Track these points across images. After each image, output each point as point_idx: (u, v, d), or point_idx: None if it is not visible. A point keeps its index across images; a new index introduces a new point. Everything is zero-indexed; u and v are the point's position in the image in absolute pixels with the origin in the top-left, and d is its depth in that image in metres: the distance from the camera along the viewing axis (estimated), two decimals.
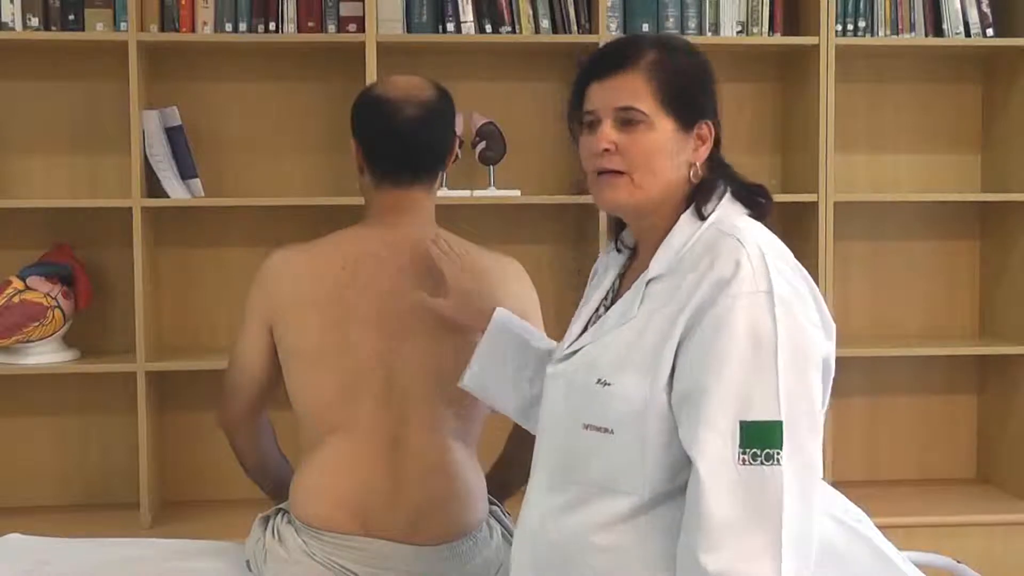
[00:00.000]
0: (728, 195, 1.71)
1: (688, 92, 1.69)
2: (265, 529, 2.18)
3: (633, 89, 1.65)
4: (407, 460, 2.09)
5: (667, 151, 1.67)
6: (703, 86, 1.72)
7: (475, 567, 2.13)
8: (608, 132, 1.67)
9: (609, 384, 1.62)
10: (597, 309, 1.78)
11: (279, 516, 2.18)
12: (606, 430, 1.62)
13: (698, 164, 1.70)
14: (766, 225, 1.71)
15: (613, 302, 1.76)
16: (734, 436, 1.51)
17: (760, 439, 1.50)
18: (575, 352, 1.73)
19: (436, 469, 2.10)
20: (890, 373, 3.58)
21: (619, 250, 1.83)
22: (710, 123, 1.71)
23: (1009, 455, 3.46)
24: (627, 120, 1.66)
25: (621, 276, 1.81)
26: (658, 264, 1.67)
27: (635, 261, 1.79)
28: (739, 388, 1.52)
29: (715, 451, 1.51)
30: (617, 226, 1.85)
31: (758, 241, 1.61)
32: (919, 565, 1.92)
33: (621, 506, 1.61)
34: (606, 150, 1.66)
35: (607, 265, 1.86)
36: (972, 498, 3.44)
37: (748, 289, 1.54)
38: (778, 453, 1.50)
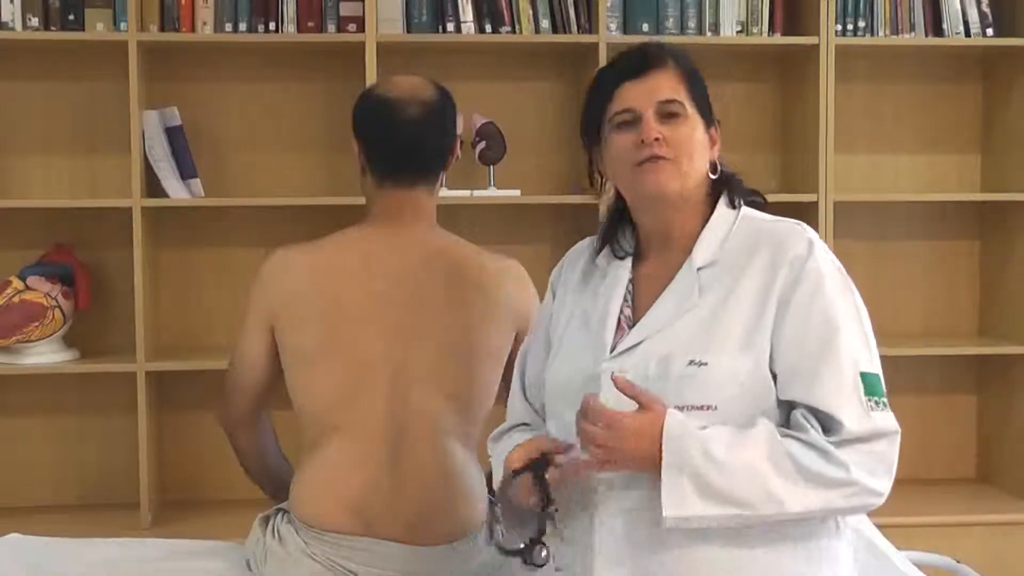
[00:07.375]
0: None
1: (705, 94, 1.78)
2: (265, 529, 2.17)
3: (672, 84, 1.73)
4: (408, 460, 2.09)
5: (702, 144, 1.74)
6: (708, 92, 1.79)
7: (475, 567, 2.13)
8: (653, 124, 1.70)
9: (705, 364, 1.65)
10: (622, 310, 1.77)
11: (279, 516, 2.18)
12: (709, 407, 1.64)
13: (717, 162, 1.77)
14: None
15: (635, 302, 1.76)
16: (858, 387, 1.67)
17: (874, 388, 1.70)
18: (633, 346, 1.71)
19: (437, 469, 2.10)
20: (890, 373, 3.48)
21: (619, 256, 1.83)
22: (717, 126, 1.79)
23: (1009, 455, 3.46)
24: (669, 113, 1.71)
25: (632, 279, 1.80)
26: (703, 253, 1.73)
27: (645, 263, 1.80)
28: (850, 347, 1.67)
29: (854, 406, 1.65)
30: (609, 230, 1.86)
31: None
32: (919, 565, 1.92)
33: None
34: (656, 139, 1.69)
35: (602, 269, 1.84)
36: (972, 498, 3.44)
37: (827, 267, 1.68)
38: (885, 401, 1.71)
